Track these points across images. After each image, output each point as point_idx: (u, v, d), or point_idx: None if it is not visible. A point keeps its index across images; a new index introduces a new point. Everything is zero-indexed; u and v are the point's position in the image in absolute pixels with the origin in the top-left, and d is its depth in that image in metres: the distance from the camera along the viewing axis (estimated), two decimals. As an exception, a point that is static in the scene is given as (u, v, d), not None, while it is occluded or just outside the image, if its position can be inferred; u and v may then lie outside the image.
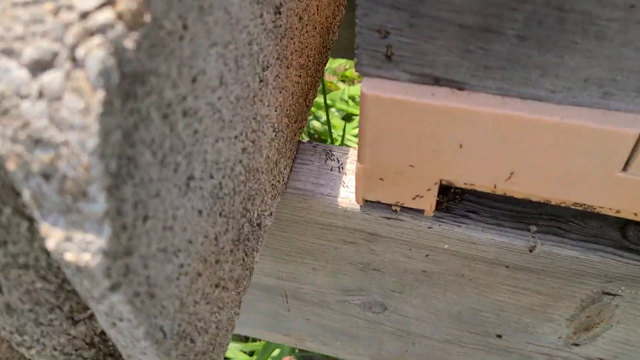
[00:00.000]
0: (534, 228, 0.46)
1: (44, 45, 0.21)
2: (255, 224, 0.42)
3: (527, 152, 0.37)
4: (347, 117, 1.42)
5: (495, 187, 0.40)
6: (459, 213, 0.47)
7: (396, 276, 0.55)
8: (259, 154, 0.40)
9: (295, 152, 0.51)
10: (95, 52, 0.20)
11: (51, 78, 0.21)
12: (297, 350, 1.14)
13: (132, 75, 0.22)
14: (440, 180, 0.42)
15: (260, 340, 1.13)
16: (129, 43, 0.21)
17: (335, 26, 0.59)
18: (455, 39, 0.33)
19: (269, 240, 0.56)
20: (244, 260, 0.41)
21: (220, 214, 0.34)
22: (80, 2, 0.21)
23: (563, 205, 0.41)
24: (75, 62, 0.21)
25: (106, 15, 0.21)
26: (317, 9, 0.50)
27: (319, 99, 1.30)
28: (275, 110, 0.42)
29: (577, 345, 0.56)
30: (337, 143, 1.31)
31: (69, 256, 0.22)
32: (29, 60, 0.21)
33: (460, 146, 0.38)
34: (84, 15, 0.21)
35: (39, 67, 0.21)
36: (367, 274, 0.56)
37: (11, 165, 0.22)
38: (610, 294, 0.48)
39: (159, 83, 0.24)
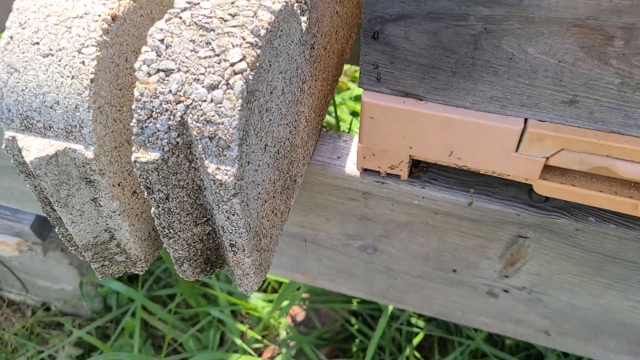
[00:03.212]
0: (472, 190, 0.71)
1: (214, 77, 0.46)
2: (293, 180, 0.67)
3: (459, 139, 0.62)
4: (355, 114, 1.66)
5: (443, 160, 0.65)
6: (424, 179, 0.72)
7: (383, 225, 0.80)
8: (298, 136, 0.65)
9: (318, 136, 0.75)
10: (238, 82, 0.45)
11: (217, 93, 0.45)
12: (305, 304, 1.39)
13: (251, 91, 0.47)
14: (410, 156, 0.66)
15: (278, 291, 1.38)
16: (251, 76, 0.46)
17: (348, 48, 0.83)
18: (416, 71, 0.58)
19: (297, 198, 0.80)
20: (286, 201, 0.65)
21: (277, 168, 0.59)
22: (231, 57, 0.46)
23: (487, 174, 0.66)
24: (229, 85, 0.45)
25: (242, 65, 0.46)
26: (336, 40, 0.75)
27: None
28: (308, 109, 0.67)
29: (507, 277, 0.81)
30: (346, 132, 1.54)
31: (219, 176, 0.47)
32: (207, 84, 0.46)
33: (420, 134, 0.62)
34: (233, 64, 0.46)
35: (211, 87, 0.46)
36: (364, 223, 0.81)
37: (194, 132, 0.46)
38: (523, 237, 0.73)
39: (259, 95, 0.49)
